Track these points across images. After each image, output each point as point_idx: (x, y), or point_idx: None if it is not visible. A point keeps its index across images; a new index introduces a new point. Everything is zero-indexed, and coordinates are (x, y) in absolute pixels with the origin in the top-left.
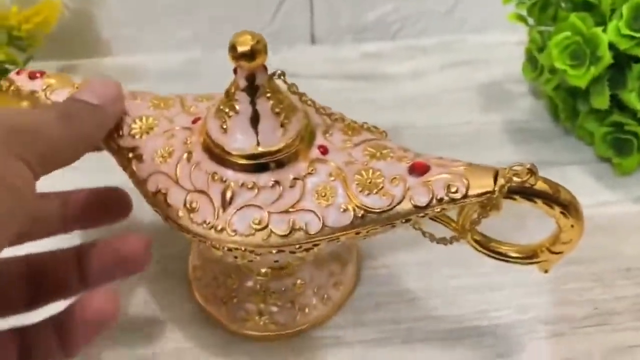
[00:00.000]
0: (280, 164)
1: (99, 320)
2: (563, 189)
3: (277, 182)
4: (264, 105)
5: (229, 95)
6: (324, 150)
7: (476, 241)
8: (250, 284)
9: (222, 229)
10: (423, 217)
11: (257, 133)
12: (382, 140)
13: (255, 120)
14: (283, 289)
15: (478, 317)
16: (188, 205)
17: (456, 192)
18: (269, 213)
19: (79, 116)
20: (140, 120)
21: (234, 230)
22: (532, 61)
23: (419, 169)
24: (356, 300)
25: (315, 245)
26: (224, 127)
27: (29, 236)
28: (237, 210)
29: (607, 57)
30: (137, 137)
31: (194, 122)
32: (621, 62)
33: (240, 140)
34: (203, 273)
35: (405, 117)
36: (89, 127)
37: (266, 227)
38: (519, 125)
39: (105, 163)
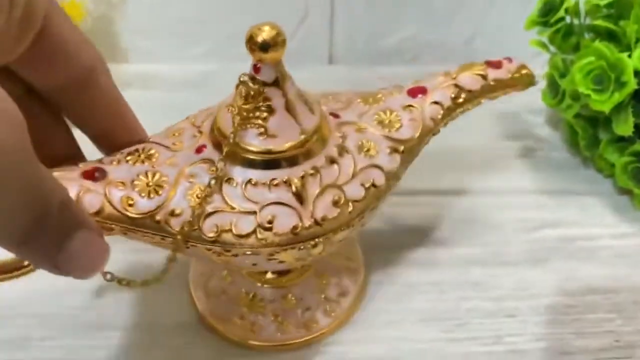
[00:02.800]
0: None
1: None
2: None
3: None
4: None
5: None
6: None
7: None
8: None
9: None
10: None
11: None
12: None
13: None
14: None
15: (492, 342)
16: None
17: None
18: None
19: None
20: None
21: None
22: (553, 87)
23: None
24: (364, 316)
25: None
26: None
27: None
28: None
29: (632, 83)
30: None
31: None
32: None
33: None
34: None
35: None
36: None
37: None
38: (536, 153)
39: None
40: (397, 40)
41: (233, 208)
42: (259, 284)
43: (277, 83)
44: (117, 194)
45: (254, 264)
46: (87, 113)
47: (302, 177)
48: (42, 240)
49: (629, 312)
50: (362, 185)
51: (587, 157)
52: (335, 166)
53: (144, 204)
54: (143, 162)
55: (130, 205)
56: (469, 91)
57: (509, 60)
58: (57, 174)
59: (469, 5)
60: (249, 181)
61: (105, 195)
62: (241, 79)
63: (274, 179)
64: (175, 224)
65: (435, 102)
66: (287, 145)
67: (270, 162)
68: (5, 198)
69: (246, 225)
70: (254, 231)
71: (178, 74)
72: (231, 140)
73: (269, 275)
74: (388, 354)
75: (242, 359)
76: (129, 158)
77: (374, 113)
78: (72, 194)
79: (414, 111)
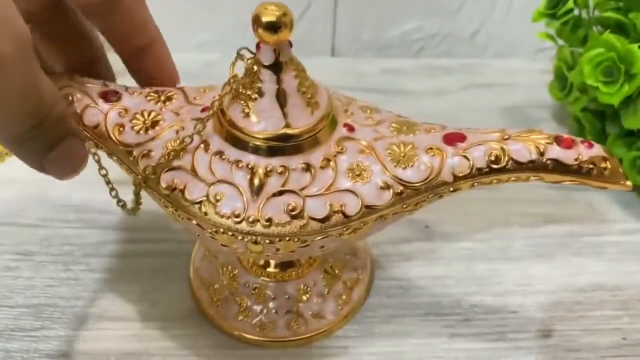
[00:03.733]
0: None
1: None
2: None
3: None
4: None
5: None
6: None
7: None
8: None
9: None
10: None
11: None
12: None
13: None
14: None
15: (496, 339)
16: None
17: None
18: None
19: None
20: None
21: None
22: (560, 80)
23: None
24: (367, 311)
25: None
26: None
27: None
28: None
29: None
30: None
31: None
32: None
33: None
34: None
35: None
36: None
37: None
38: None
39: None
40: (401, 33)
41: (194, 172)
42: (243, 266)
43: (275, 67)
44: (114, 119)
45: (198, 235)
46: (115, 33)
47: (269, 170)
48: (34, 144)
49: (637, 309)
50: (329, 206)
51: None
52: (309, 175)
53: (129, 136)
54: (157, 102)
55: (119, 132)
56: (513, 160)
57: (588, 144)
58: (84, 84)
59: None
60: (220, 153)
61: (106, 115)
62: (239, 52)
63: (240, 161)
64: (142, 165)
65: (466, 157)
66: (263, 134)
67: (244, 143)
68: (5, 104)
69: (197, 192)
70: (200, 202)
71: (182, 63)
72: (214, 109)
73: (270, 269)
74: (390, 349)
75: (238, 352)
76: (150, 95)
77: (393, 142)
78: (81, 104)
79: (436, 158)
